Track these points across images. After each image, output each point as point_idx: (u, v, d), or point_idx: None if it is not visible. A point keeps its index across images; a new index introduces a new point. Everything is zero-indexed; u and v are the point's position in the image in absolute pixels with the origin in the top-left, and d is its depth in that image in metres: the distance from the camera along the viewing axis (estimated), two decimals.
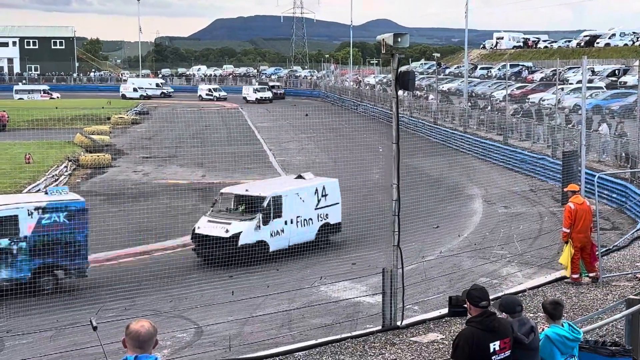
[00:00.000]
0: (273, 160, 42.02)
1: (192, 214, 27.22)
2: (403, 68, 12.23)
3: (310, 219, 23.83)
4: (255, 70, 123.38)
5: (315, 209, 24.01)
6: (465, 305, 6.81)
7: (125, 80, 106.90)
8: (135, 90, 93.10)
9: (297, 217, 23.33)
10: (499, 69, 71.90)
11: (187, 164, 41.10)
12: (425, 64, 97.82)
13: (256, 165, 36.51)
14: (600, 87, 48.49)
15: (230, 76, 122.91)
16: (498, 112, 45.70)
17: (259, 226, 22.26)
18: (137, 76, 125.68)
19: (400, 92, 12.41)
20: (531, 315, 12.30)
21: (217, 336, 14.55)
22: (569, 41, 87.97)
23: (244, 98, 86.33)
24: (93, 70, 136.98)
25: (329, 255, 22.74)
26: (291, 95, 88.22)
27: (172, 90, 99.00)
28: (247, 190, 23.69)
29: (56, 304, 17.75)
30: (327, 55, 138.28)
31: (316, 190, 24.16)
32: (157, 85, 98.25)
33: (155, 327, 4.95)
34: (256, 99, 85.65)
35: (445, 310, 14.75)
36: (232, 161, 37.68)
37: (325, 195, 24.27)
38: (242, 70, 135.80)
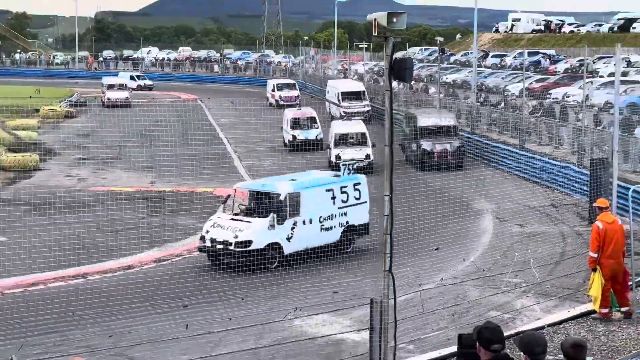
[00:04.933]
0: (238, 164, 42.20)
1: (138, 229, 27.11)
2: (399, 54, 12.40)
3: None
4: (219, 54, 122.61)
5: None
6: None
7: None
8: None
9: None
10: (514, 57, 72.46)
11: (133, 168, 41.10)
12: (425, 49, 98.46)
13: (217, 171, 36.55)
14: (637, 82, 48.99)
15: (188, 61, 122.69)
16: (513, 110, 46.07)
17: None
18: (74, 59, 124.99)
19: (394, 84, 12.47)
20: (550, 358, 12.33)
21: None
22: (600, 25, 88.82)
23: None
24: (19, 50, 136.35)
25: (306, 281, 22.76)
26: (261, 85, 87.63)
27: (151, 83, 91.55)
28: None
29: None
30: (306, 37, 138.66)
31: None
32: (133, 77, 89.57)
33: None
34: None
35: (446, 351, 14.83)
36: (188, 165, 37.64)
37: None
38: (202, 53, 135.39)
